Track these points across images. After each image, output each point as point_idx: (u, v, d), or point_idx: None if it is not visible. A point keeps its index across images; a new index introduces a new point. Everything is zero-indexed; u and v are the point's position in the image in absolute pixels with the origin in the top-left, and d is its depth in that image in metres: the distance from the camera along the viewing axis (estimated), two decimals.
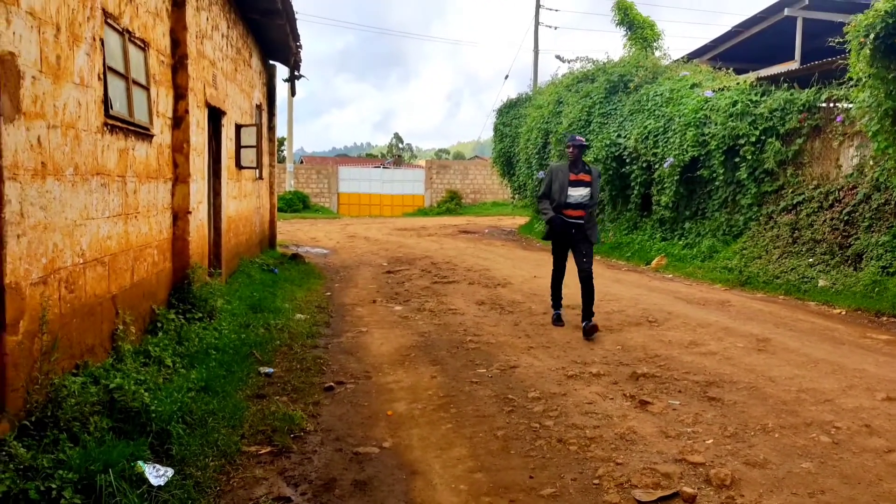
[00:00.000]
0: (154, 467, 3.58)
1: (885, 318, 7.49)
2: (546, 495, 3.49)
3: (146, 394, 4.24)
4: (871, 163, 8.81)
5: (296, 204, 32.01)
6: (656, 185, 13.70)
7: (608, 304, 8.47)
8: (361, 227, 23.72)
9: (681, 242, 12.91)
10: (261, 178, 13.16)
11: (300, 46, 13.78)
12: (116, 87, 5.25)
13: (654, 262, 12.75)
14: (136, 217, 5.59)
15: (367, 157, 72.76)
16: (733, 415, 4.43)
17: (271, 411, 4.65)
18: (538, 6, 35.34)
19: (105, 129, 4.91)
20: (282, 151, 36.86)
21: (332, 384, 5.40)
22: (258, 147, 11.45)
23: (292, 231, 20.83)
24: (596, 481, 3.62)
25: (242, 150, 10.83)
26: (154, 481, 3.45)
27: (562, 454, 3.99)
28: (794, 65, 17.96)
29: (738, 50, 21.29)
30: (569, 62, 19.56)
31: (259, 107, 13.33)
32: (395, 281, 11.01)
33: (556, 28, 37.09)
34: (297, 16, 12.08)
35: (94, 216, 4.70)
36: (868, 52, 6.92)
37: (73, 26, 4.43)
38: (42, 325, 3.91)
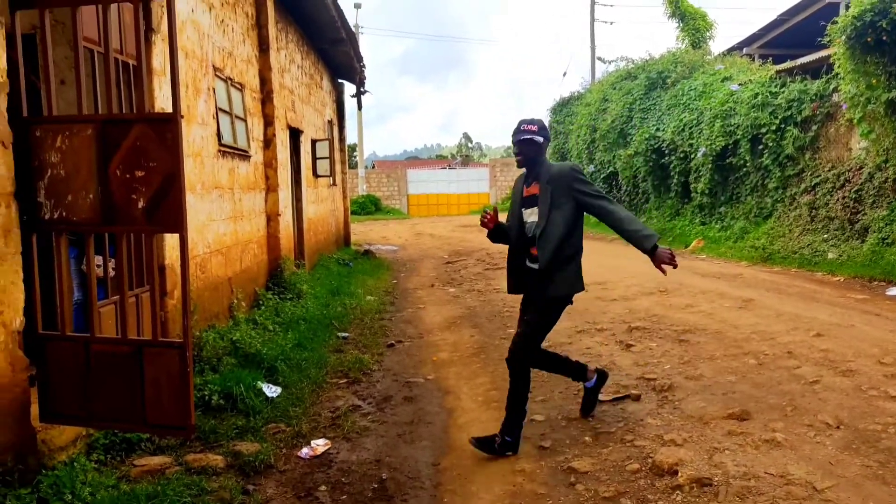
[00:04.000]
0: (268, 386, 5.25)
1: (875, 283, 8.49)
2: (537, 401, 4.94)
3: (258, 344, 5.95)
4: (866, 144, 9.75)
5: (368, 207, 34.06)
6: (693, 174, 14.75)
7: (631, 278, 9.77)
8: (428, 226, 25.44)
9: (717, 226, 13.93)
10: (334, 184, 14.99)
11: (364, 66, 15.56)
12: (224, 121, 7.02)
13: (691, 244, 13.79)
14: (241, 219, 7.36)
15: (438, 158, 74.71)
16: (693, 350, 5.77)
17: (347, 359, 6.26)
18: (593, 2, 36.26)
19: (219, 154, 6.67)
20: (353, 158, 39.10)
21: (393, 342, 6.99)
22: (331, 157, 13.26)
23: (365, 231, 22.72)
24: (575, 393, 5.04)
25: (318, 161, 12.64)
26: (269, 394, 5.12)
27: (556, 379, 5.37)
28: None
29: (786, 37, 21.68)
30: (611, 62, 20.63)
31: (330, 122, 15.17)
32: (452, 269, 12.57)
33: (611, 23, 37.66)
34: (360, 31, 13.85)
35: (215, 218, 6.46)
36: (845, 50, 7.95)
37: (196, 82, 6.18)
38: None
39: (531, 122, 4.09)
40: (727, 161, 13.57)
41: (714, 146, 13.54)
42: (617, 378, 5.25)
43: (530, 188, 4.11)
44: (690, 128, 14.64)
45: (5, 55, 3.34)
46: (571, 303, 4.18)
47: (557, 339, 6.65)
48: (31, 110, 3.51)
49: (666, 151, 15.63)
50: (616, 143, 17.66)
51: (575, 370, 4.42)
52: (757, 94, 12.44)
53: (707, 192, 14.30)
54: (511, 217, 4.25)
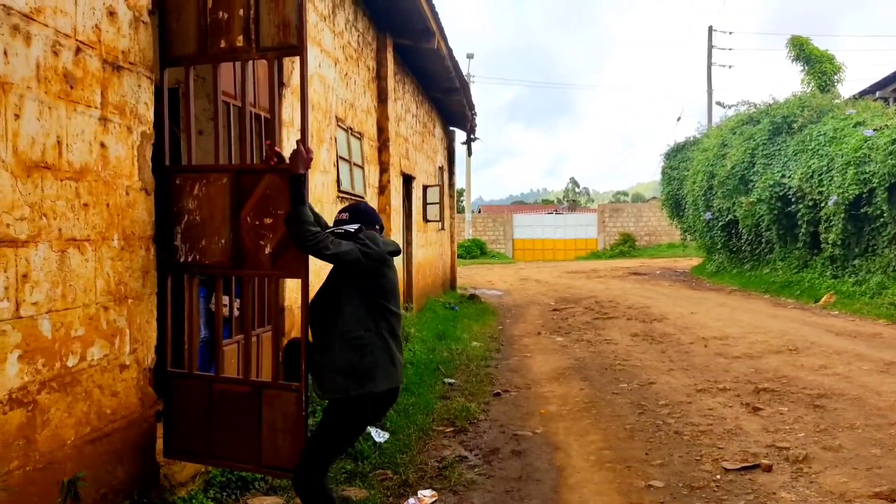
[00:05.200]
0: (377, 431, 5.25)
1: None
2: (655, 464, 4.65)
3: None
4: None
5: (474, 251, 34.32)
6: (824, 223, 13.82)
7: (755, 335, 9.16)
8: (534, 271, 25.20)
9: (850, 280, 12.92)
10: (443, 228, 15.17)
11: (475, 114, 15.81)
12: (343, 169, 7.27)
13: (822, 299, 12.86)
14: None
15: (543, 203, 74.52)
16: (830, 417, 5.26)
17: (453, 406, 6.19)
18: (710, 46, 35.35)
19: (337, 199, 6.90)
20: (461, 202, 39.69)
21: (499, 391, 6.85)
22: (440, 203, 13.45)
23: (470, 275, 22.79)
24: (697, 458, 4.71)
25: (428, 207, 12.86)
26: (377, 439, 5.12)
27: (675, 441, 5.10)
28: None
29: None
30: (731, 106, 19.91)
31: (441, 168, 15.45)
32: (559, 317, 12.30)
33: (730, 67, 36.46)
34: (471, 79, 14.11)
35: None
36: None
37: (320, 132, 6.45)
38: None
39: (344, 209, 3.66)
40: (861, 210, 12.62)
41: (847, 194, 12.65)
42: (744, 445, 4.87)
43: None
44: (820, 175, 13.78)
45: (153, 108, 3.60)
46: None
47: (675, 396, 6.30)
48: (169, 159, 3.75)
49: (793, 199, 14.77)
50: (736, 189, 16.90)
51: None
52: (894, 140, 11.55)
53: (839, 243, 13.34)
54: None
